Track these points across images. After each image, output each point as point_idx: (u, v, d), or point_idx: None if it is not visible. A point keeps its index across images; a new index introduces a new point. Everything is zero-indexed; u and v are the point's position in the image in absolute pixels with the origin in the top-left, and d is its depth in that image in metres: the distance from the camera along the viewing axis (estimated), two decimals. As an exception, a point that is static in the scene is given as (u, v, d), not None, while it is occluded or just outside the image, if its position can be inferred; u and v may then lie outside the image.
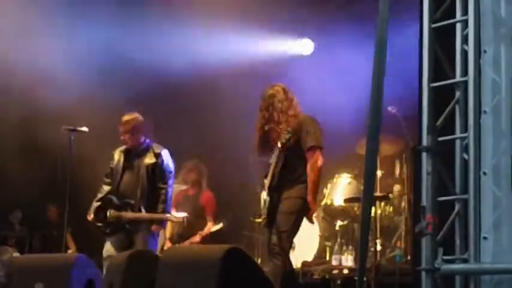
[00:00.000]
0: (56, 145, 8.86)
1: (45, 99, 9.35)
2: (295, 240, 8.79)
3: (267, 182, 6.34)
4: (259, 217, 6.50)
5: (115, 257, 6.18)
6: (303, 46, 10.72)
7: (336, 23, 9.77)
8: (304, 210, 6.30)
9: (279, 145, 6.22)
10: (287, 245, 6.23)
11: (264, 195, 6.37)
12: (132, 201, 7.53)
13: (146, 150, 7.70)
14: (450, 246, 4.64)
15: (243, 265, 4.93)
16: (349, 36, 9.54)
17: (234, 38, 10.10)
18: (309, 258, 8.80)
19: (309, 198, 6.23)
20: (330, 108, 8.79)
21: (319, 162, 6.24)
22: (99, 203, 7.64)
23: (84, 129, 7.92)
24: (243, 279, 4.89)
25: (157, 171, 7.61)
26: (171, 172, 7.70)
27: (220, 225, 9.05)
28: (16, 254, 8.84)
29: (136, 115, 7.76)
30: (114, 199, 7.59)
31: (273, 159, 6.35)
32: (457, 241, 4.67)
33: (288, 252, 6.30)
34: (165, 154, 7.70)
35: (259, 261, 8.78)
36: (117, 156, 7.79)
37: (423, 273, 4.58)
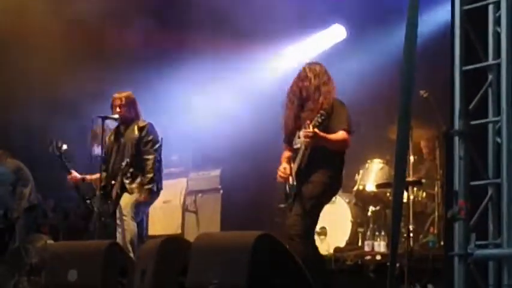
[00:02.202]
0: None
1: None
2: (327, 225, 8.85)
3: (294, 166, 6.22)
4: (285, 202, 6.33)
5: (147, 243, 6.20)
6: (336, 32, 10.63)
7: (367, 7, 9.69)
8: (326, 196, 6.24)
9: (311, 128, 6.01)
10: (302, 228, 6.07)
11: (290, 180, 6.24)
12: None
13: (132, 125, 7.95)
14: (483, 232, 4.60)
15: (274, 251, 4.93)
16: (382, 20, 9.45)
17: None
18: (341, 244, 8.78)
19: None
20: (362, 92, 8.75)
21: (347, 142, 6.15)
22: (101, 192, 7.78)
23: (115, 116, 8.00)
24: (275, 265, 4.90)
25: (141, 144, 7.83)
26: (155, 144, 7.85)
27: None
28: (50, 241, 8.90)
29: (128, 92, 8.07)
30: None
31: (300, 141, 6.22)
32: (490, 226, 4.62)
33: (308, 237, 6.15)
34: (149, 127, 7.88)
35: (291, 247, 8.78)
36: (108, 139, 8.07)
37: (456, 259, 4.54)
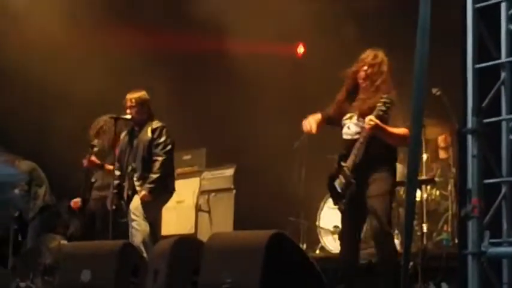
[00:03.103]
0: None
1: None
2: (339, 224, 8.83)
3: (349, 162, 5.81)
4: (338, 202, 5.96)
5: (160, 243, 6.21)
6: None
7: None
8: (393, 191, 5.94)
9: (372, 117, 5.68)
10: (390, 228, 5.80)
11: (341, 178, 5.88)
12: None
13: (145, 127, 7.91)
14: (497, 230, 4.57)
15: (287, 251, 4.93)
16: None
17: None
18: (355, 243, 8.75)
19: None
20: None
21: (407, 139, 5.34)
22: (115, 191, 7.82)
23: (128, 116, 8.01)
24: (288, 265, 4.89)
25: (152, 146, 7.81)
26: (166, 146, 7.82)
27: None
28: (64, 242, 8.93)
29: (143, 92, 8.02)
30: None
31: (350, 132, 5.95)
32: (504, 224, 4.60)
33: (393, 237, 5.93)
34: (161, 129, 7.87)
35: (304, 247, 8.78)
36: (123, 138, 8.08)
37: (469, 257, 4.52)
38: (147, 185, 7.72)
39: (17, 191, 9.65)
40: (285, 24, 9.65)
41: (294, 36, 10.51)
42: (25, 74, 9.93)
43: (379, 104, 5.73)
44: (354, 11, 9.49)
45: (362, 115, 5.88)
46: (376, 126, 5.68)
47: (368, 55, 6.05)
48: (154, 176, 7.74)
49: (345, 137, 6.00)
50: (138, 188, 7.76)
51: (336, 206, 6.05)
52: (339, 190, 5.92)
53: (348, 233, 6.04)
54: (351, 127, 5.97)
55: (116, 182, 7.90)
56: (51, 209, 10.11)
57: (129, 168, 7.81)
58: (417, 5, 4.39)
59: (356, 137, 5.88)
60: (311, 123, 6.04)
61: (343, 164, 5.90)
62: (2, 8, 9.74)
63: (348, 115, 6.05)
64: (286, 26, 9.70)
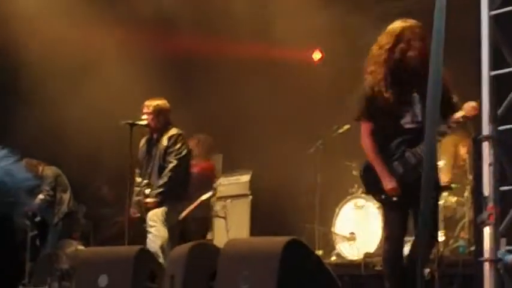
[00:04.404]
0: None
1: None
2: (356, 231, 8.84)
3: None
4: (376, 193, 5.72)
5: (176, 248, 6.24)
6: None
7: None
8: None
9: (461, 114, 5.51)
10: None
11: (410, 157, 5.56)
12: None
13: (163, 135, 7.92)
14: (513, 237, 4.57)
15: (303, 257, 4.93)
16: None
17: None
18: (371, 249, 8.74)
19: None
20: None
21: None
22: (137, 198, 7.83)
23: (143, 122, 8.03)
24: (304, 271, 4.90)
25: (167, 153, 7.83)
26: (179, 154, 7.82)
27: (209, 194, 9.28)
28: (80, 247, 8.98)
29: (162, 100, 8.02)
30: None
31: (409, 119, 5.57)
32: (520, 231, 4.60)
33: None
34: (177, 136, 7.87)
35: (320, 253, 8.77)
36: (141, 145, 8.08)
37: (486, 264, 4.52)
38: (155, 191, 7.75)
39: (41, 196, 9.78)
40: (303, 29, 9.68)
41: (311, 42, 10.53)
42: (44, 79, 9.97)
43: (453, 97, 5.61)
44: (374, 18, 9.52)
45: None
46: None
47: (415, 25, 5.69)
48: (162, 181, 7.76)
49: (407, 124, 5.65)
50: (147, 193, 7.80)
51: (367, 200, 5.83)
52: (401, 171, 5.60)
53: (399, 226, 5.70)
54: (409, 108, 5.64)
55: (138, 189, 7.94)
56: (74, 215, 10.19)
57: (143, 182, 7.85)
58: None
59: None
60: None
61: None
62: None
63: None
64: (303, 31, 9.72)
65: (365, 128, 5.69)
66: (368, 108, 5.64)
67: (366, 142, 5.69)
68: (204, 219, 9.53)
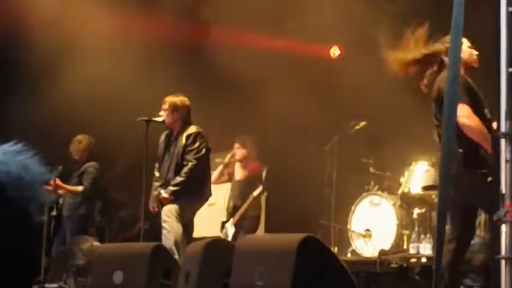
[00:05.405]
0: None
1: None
2: (371, 228, 8.83)
3: None
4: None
5: (191, 245, 6.23)
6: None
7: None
8: None
9: None
10: None
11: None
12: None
13: (182, 133, 7.89)
14: (531, 234, 4.53)
15: (318, 254, 4.92)
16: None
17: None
18: (386, 246, 8.73)
19: None
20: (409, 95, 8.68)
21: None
22: (156, 192, 7.84)
23: (159, 119, 8.01)
24: (319, 268, 4.88)
25: (186, 152, 7.80)
26: (198, 152, 7.79)
27: (260, 189, 9.37)
28: (96, 243, 8.99)
29: (180, 97, 7.95)
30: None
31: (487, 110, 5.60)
32: (538, 229, 4.56)
33: None
34: (196, 135, 7.83)
35: (335, 250, 8.75)
36: (161, 141, 8.08)
37: (502, 262, 4.48)
38: (170, 187, 7.75)
39: (81, 188, 9.69)
40: (322, 25, 9.66)
41: (329, 38, 10.50)
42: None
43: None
44: (389, 13, 9.49)
45: None
46: None
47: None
48: (180, 179, 7.75)
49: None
50: (162, 191, 7.81)
51: None
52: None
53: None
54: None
55: (156, 184, 7.95)
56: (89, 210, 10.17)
57: (159, 183, 7.89)
58: (452, 7, 4.37)
59: None
60: None
61: None
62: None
63: None
64: (322, 27, 9.71)
65: (470, 109, 5.59)
66: (470, 93, 5.65)
67: (477, 121, 5.58)
68: (256, 217, 9.57)
